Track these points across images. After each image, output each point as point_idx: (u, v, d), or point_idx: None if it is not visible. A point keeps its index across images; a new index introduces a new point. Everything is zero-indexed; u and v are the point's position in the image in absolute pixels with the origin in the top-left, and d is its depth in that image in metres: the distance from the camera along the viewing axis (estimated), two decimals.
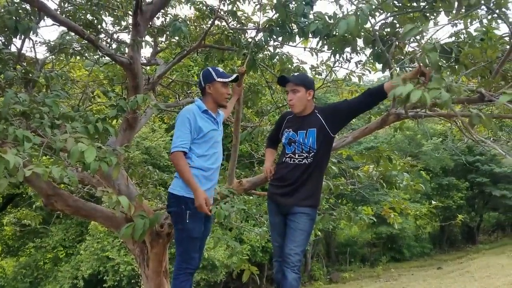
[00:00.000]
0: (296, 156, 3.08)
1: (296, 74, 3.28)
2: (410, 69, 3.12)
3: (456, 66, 3.02)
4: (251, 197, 5.14)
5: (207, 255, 13.71)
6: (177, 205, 3.00)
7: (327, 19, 3.68)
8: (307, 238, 3.05)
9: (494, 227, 30.74)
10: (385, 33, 3.50)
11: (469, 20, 3.16)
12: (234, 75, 3.21)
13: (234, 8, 5.00)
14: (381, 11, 3.26)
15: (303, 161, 3.06)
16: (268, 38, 4.32)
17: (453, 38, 3.15)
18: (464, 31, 3.08)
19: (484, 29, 2.83)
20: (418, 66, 2.57)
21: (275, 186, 3.20)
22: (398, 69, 3.40)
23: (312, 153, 3.04)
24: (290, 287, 2.92)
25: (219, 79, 3.11)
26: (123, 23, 5.58)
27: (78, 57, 5.40)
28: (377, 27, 3.31)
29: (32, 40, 4.43)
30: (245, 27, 5.24)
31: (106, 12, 5.22)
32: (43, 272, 16.08)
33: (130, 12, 5.32)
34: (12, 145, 2.87)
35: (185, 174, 2.94)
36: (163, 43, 6.16)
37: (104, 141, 3.54)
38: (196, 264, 3.10)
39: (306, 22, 4.04)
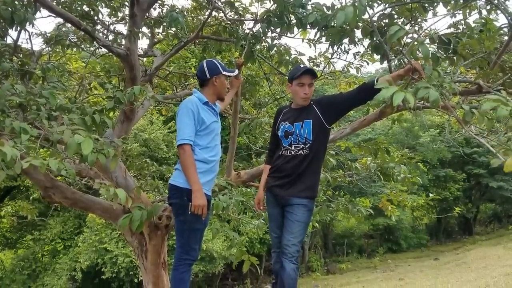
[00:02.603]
0: (293, 148, 3.09)
1: (308, 67, 3.24)
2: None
3: (455, 57, 3.02)
4: (249, 189, 5.15)
5: (205, 247, 13.77)
6: (179, 197, 2.99)
7: (325, 10, 3.65)
8: (304, 229, 3.06)
9: (491, 218, 30.94)
10: (383, 24, 3.49)
11: (468, 11, 3.15)
12: (237, 71, 3.22)
13: None
14: (380, 2, 3.25)
15: (299, 152, 3.06)
16: (266, 29, 4.29)
17: (452, 29, 3.15)
18: (463, 22, 3.07)
19: (483, 20, 2.82)
20: (409, 62, 2.55)
21: (273, 178, 3.21)
22: (396, 60, 3.39)
23: (308, 144, 3.05)
24: (289, 277, 2.94)
25: (224, 73, 3.12)
26: (120, 14, 5.54)
27: (74, 49, 5.36)
28: (375, 18, 3.30)
29: (28, 32, 4.40)
30: (243, 18, 5.21)
31: (103, 3, 5.17)
32: (41, 265, 16.12)
33: (126, 3, 5.28)
34: (9, 137, 2.86)
35: (189, 172, 2.92)
36: (160, 34, 6.12)
37: (101, 133, 3.53)
38: (195, 255, 3.11)
39: (304, 13, 4.02)
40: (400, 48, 3.40)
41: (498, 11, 2.98)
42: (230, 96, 3.67)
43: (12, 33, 3.94)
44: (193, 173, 2.91)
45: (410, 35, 3.26)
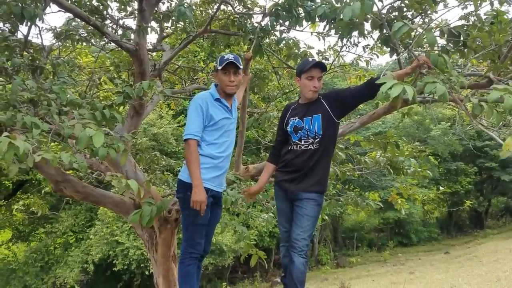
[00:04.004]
0: (302, 143, 3.09)
1: (317, 60, 3.22)
2: (418, 53, 3.08)
3: (465, 50, 2.99)
4: None
5: (214, 240, 13.83)
6: (184, 191, 3.02)
7: (334, 2, 3.63)
8: (314, 224, 3.07)
9: (502, 212, 30.65)
10: (392, 17, 3.45)
11: (479, 3, 3.11)
12: (226, 61, 3.06)
13: None
14: None
15: (309, 147, 3.07)
16: (275, 23, 4.28)
17: (463, 22, 3.10)
18: (473, 14, 3.03)
19: (494, 12, 2.78)
20: (416, 59, 2.54)
21: (282, 173, 3.21)
22: (406, 53, 3.36)
23: (318, 139, 3.05)
24: (298, 271, 2.95)
25: (218, 67, 3.11)
26: (129, 9, 5.55)
27: (84, 44, 5.38)
28: (384, 11, 3.27)
29: (39, 27, 4.43)
30: (251, 12, 5.19)
31: None
32: (53, 257, 16.33)
33: None
34: (21, 132, 2.90)
35: (191, 167, 2.93)
36: (168, 28, 6.12)
37: (111, 128, 3.56)
38: (201, 249, 3.12)
39: (313, 6, 3.99)
40: (410, 41, 3.37)
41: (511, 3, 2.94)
42: (241, 93, 3.66)
43: (23, 28, 3.98)
44: (195, 168, 2.92)
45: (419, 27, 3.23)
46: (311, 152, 3.06)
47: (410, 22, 3.20)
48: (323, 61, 5.78)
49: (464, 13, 3.21)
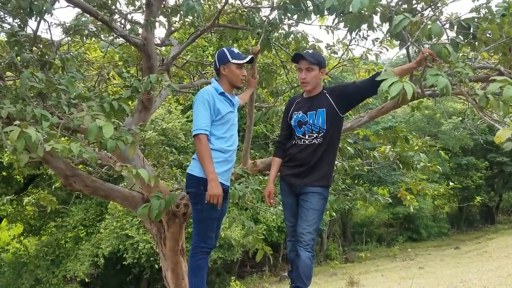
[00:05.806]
0: (306, 137, 3.08)
1: (310, 51, 3.21)
2: (427, 46, 3.04)
3: (476, 43, 2.94)
4: (266, 178, 5.15)
5: (223, 234, 13.89)
6: (197, 186, 3.03)
7: None
8: (319, 217, 3.06)
9: None
10: (402, 10, 3.41)
11: None
12: (249, 57, 3.19)
13: None
14: None
15: (313, 141, 3.06)
16: (283, 16, 4.24)
17: (474, 14, 3.05)
18: (484, 6, 2.98)
19: (505, 4, 2.74)
20: (421, 52, 2.52)
21: (287, 167, 3.21)
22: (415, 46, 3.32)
23: (322, 133, 3.04)
24: (304, 266, 2.95)
25: (233, 61, 3.11)
26: (137, 3, 5.55)
27: (93, 39, 5.40)
28: (393, 4, 3.23)
29: (48, 22, 4.44)
30: (259, 5, 5.16)
31: None
32: (64, 251, 16.52)
33: None
34: (30, 125, 2.91)
35: (205, 162, 2.93)
36: (176, 23, 6.11)
37: (120, 121, 3.57)
38: (212, 244, 3.15)
39: None
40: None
41: None
42: (248, 94, 3.66)
43: (32, 24, 3.99)
44: (209, 163, 2.93)
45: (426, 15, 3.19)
46: (315, 147, 3.05)
47: (419, 14, 3.16)
48: (332, 54, 5.75)
49: (475, 6, 3.16)
